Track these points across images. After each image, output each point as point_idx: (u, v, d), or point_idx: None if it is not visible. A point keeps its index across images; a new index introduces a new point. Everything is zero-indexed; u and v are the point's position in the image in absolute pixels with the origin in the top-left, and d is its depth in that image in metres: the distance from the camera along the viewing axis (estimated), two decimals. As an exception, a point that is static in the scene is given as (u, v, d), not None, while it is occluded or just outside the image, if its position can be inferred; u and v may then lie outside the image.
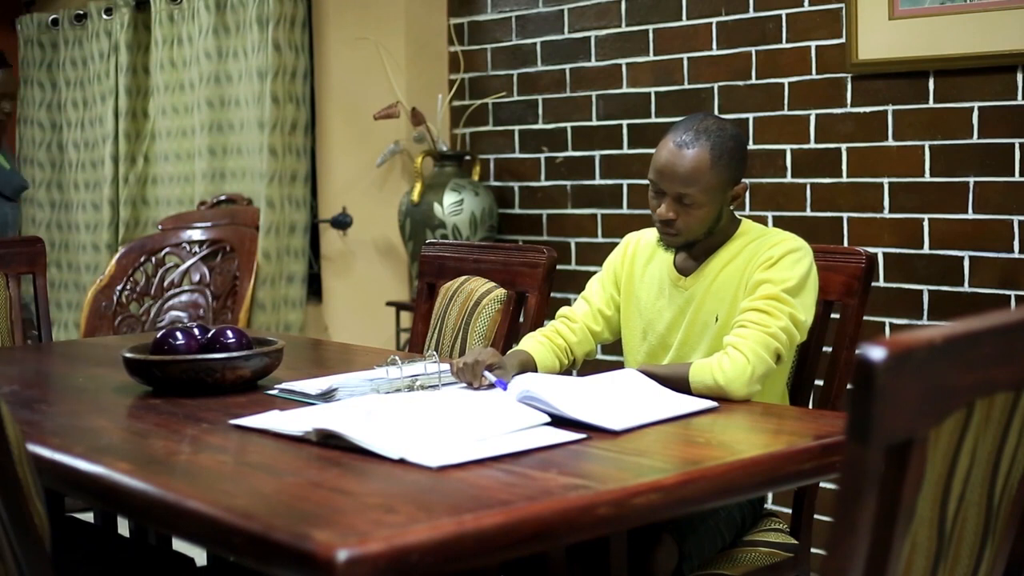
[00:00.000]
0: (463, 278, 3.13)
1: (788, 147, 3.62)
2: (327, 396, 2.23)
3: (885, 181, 3.42)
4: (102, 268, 5.20)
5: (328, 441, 1.86)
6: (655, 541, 2.24)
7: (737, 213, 2.53)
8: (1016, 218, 3.17)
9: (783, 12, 3.61)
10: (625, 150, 4.06)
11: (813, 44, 3.55)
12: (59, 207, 5.98)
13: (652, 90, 3.97)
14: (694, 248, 2.46)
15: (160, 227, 5.05)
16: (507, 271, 3.01)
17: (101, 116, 5.65)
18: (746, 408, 2.22)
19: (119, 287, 4.70)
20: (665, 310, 2.49)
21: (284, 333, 4.55)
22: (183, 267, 4.74)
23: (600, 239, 4.13)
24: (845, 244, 3.47)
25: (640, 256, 2.58)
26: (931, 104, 3.31)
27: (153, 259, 4.80)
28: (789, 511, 2.57)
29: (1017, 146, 3.16)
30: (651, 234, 2.58)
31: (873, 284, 2.68)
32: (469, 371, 2.33)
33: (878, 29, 3.36)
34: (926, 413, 1.13)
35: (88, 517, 3.03)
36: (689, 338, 2.45)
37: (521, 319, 2.97)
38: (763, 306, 2.30)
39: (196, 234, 4.80)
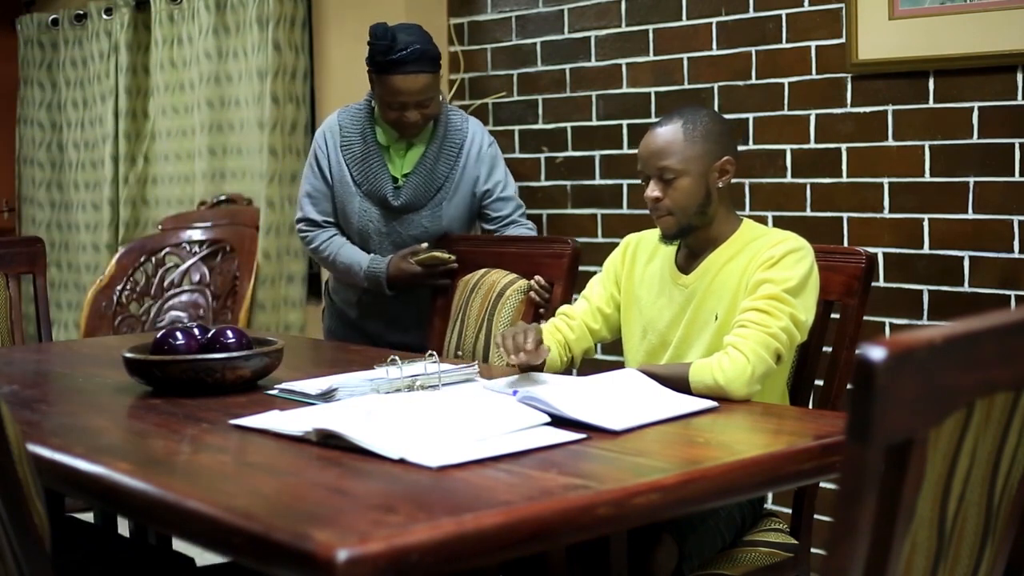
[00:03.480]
0: (483, 270, 3.13)
1: (788, 147, 3.62)
2: (327, 396, 2.23)
3: (885, 181, 3.42)
4: (102, 268, 5.20)
5: (328, 441, 1.86)
6: (655, 541, 2.24)
7: (738, 213, 2.53)
8: (1016, 218, 3.17)
9: (783, 12, 3.61)
10: (625, 150, 4.06)
11: (813, 44, 3.55)
12: (59, 207, 5.98)
13: (652, 90, 3.97)
14: (692, 240, 2.47)
15: (160, 227, 5.05)
16: (531, 262, 3.02)
17: (101, 116, 5.65)
18: (746, 408, 2.22)
19: (119, 287, 4.70)
20: (665, 308, 2.50)
21: (284, 333, 4.55)
22: (183, 267, 4.75)
23: (600, 239, 4.13)
24: (845, 244, 3.47)
25: (640, 256, 2.59)
26: (931, 104, 3.31)
27: (153, 259, 4.80)
28: (789, 511, 2.57)
29: (1017, 146, 3.16)
30: (652, 234, 2.59)
31: (873, 284, 2.68)
32: (517, 341, 2.32)
33: (878, 29, 3.36)
34: (926, 413, 1.13)
35: (88, 517, 3.03)
36: (688, 336, 2.45)
37: (543, 309, 2.97)
38: (764, 306, 2.30)
39: (196, 234, 4.80)
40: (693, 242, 2.48)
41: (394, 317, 3.30)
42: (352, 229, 3.23)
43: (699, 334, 2.43)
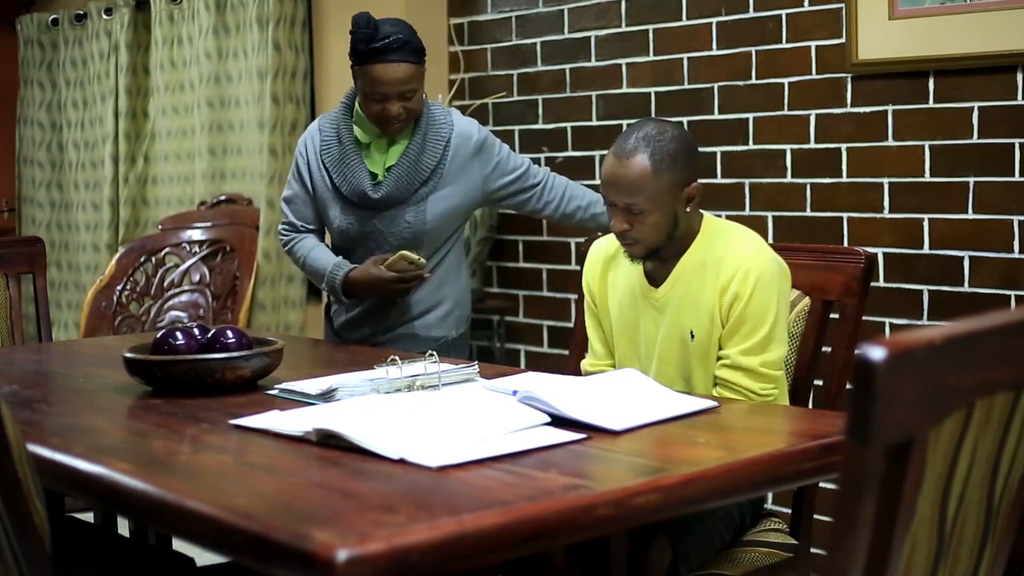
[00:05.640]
0: None
1: (788, 147, 3.62)
2: (327, 396, 2.22)
3: (885, 181, 3.42)
4: (102, 268, 5.20)
5: (328, 441, 1.86)
6: (649, 541, 2.24)
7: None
8: (1016, 218, 3.17)
9: (783, 12, 3.61)
10: (625, 150, 4.05)
11: (813, 44, 3.55)
12: (59, 207, 5.98)
13: (652, 90, 3.97)
14: (660, 254, 2.46)
15: (160, 227, 5.05)
16: None
17: (101, 116, 5.65)
18: (746, 408, 2.22)
19: (119, 287, 4.70)
20: (640, 320, 2.50)
21: (284, 333, 4.55)
22: (183, 267, 4.74)
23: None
24: (845, 244, 3.47)
25: (606, 265, 2.59)
26: (931, 104, 3.31)
27: (153, 259, 4.80)
28: (789, 511, 2.57)
29: (1017, 146, 3.16)
30: (611, 239, 2.58)
31: (873, 284, 2.68)
32: None
33: (878, 29, 3.36)
34: (926, 413, 1.13)
35: (88, 517, 3.03)
36: (667, 352, 2.46)
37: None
38: (749, 363, 2.37)
39: (196, 234, 4.80)
40: (660, 254, 2.47)
41: (372, 319, 3.14)
42: (334, 234, 3.12)
43: (679, 351, 2.44)
